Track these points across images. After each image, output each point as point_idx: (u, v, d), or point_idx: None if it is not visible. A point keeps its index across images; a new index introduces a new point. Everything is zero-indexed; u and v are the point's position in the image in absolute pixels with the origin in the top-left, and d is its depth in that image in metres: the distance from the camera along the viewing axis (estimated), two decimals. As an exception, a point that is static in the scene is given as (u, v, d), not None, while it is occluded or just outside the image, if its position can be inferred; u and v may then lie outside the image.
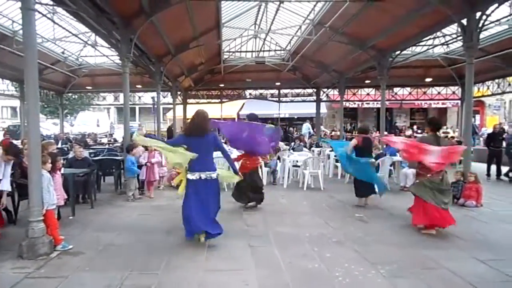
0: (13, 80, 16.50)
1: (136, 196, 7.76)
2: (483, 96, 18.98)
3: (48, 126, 26.31)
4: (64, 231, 5.14)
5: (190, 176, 4.81)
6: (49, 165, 4.89)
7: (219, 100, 21.79)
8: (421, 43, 12.93)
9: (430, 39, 12.42)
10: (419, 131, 23.58)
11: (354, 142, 7.10)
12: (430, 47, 13.97)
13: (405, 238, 5.18)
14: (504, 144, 10.62)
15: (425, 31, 10.35)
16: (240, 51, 18.22)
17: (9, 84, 18.36)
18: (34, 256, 4.25)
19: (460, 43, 11.36)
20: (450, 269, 4.02)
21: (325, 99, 21.64)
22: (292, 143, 13.87)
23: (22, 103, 17.46)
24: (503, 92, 17.49)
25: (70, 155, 8.32)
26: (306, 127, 21.46)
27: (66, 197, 5.94)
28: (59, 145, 13.48)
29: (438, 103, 23.86)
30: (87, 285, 3.67)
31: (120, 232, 5.43)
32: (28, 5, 4.38)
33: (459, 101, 19.74)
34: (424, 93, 21.66)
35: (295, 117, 25.81)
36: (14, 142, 8.42)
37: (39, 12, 10.09)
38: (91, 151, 11.18)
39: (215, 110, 21.89)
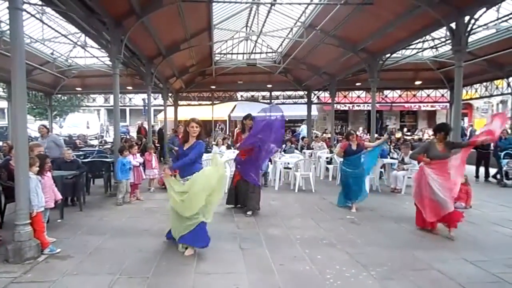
0: (1, 81, 16.24)
1: (125, 199, 7.64)
2: (471, 99, 19.29)
3: (37, 128, 25.92)
4: (52, 235, 5.06)
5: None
6: (35, 168, 4.79)
7: (211, 102, 21.73)
8: (410, 47, 13.12)
9: (419, 42, 12.57)
10: (408, 133, 23.86)
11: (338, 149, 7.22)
12: (420, 50, 14.17)
13: (396, 240, 5.20)
14: (492, 146, 10.76)
15: (414, 35, 10.46)
16: (232, 53, 18.23)
17: (-4, 85, 18.09)
18: (21, 260, 4.17)
19: (449, 47, 11.50)
20: (440, 270, 4.05)
21: (316, 101, 21.75)
22: (284, 145, 13.87)
23: (10, 104, 17.20)
24: (491, 95, 17.78)
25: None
26: (305, 129, 21.48)
27: (61, 197, 5.74)
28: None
29: (427, 105, 24.17)
30: (75, 290, 3.60)
31: (109, 235, 5.36)
32: (15, 4, 4.31)
33: (448, 104, 20.02)
34: (414, 95, 21.89)
35: (287, 119, 25.85)
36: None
37: (28, 12, 9.95)
38: (80, 153, 11.04)
39: (206, 112, 21.86)
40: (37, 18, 10.83)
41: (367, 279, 3.85)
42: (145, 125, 17.22)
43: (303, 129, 21.87)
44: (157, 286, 3.69)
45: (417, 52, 14.48)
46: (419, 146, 6.71)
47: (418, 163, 5.92)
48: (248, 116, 7.11)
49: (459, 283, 3.72)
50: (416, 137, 20.16)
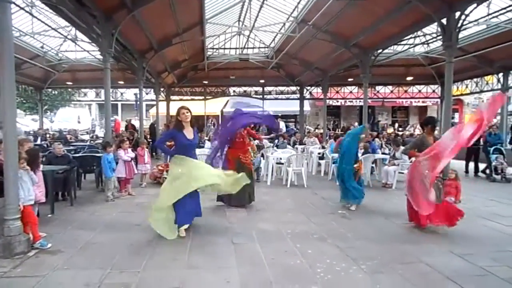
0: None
1: (115, 195, 7.54)
2: (462, 94, 19.46)
3: (27, 122, 25.59)
4: (43, 229, 5.01)
5: None
6: (21, 164, 4.71)
7: (203, 97, 21.66)
8: (402, 42, 13.19)
9: (411, 38, 12.70)
10: (400, 129, 24.04)
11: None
12: (411, 46, 14.26)
13: (385, 234, 5.26)
14: (481, 141, 10.89)
15: (406, 30, 10.54)
16: (224, 48, 18.17)
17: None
18: (11, 255, 4.14)
19: (440, 42, 11.60)
20: (428, 263, 4.11)
21: (308, 97, 21.80)
22: (276, 140, 13.90)
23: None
24: (481, 91, 17.99)
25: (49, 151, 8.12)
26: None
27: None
28: (38, 142, 13.18)
29: (418, 101, 24.36)
30: (65, 284, 3.59)
31: (100, 230, 5.35)
32: (3, -3, 4.24)
33: (439, 100, 20.22)
34: (405, 91, 22.05)
35: (279, 114, 25.90)
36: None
37: (16, 5, 9.80)
38: (71, 147, 10.95)
39: (198, 107, 21.78)
40: (26, 11, 10.69)
41: (357, 273, 3.89)
42: (133, 122, 17.21)
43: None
44: (148, 280, 3.69)
45: (409, 48, 14.58)
46: (411, 142, 6.76)
47: (409, 158, 5.96)
48: (236, 111, 7.15)
49: (446, 276, 3.78)
50: (407, 133, 20.32)
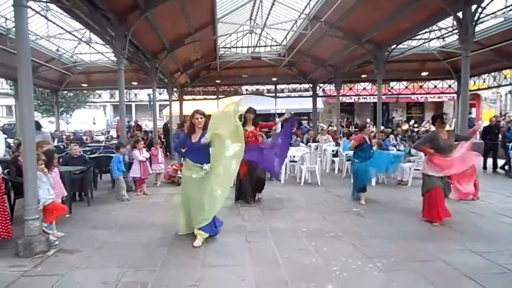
0: (8, 78, 16.42)
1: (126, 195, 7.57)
2: (479, 89, 19.06)
3: (44, 124, 26.09)
4: (60, 229, 5.15)
5: None
6: (40, 165, 4.84)
7: (216, 96, 21.73)
8: (417, 37, 12.97)
9: (426, 32, 12.46)
10: (415, 125, 23.67)
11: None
12: (426, 40, 14.01)
13: (401, 232, 5.19)
14: (500, 137, 10.65)
15: (420, 25, 10.36)
16: (236, 47, 18.19)
17: (4, 82, 18.27)
18: (31, 254, 4.24)
19: (455, 37, 11.37)
20: (445, 261, 4.04)
21: (321, 94, 21.66)
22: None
23: (17, 101, 17.35)
24: (499, 85, 17.58)
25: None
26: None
27: (65, 194, 5.91)
28: (55, 143, 13.43)
29: (434, 97, 23.97)
30: (83, 283, 3.66)
31: (116, 229, 5.43)
32: (20, 2, 4.32)
33: (455, 95, 19.84)
34: (421, 87, 21.72)
35: (292, 112, 25.81)
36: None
37: (32, 9, 10.00)
38: (87, 148, 11.13)
39: (211, 106, 21.86)
40: (42, 15, 10.89)
41: (373, 271, 3.86)
42: (139, 123, 17.44)
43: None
44: (165, 278, 3.73)
45: (424, 43, 14.33)
46: (423, 137, 6.68)
47: (424, 154, 5.89)
48: (249, 110, 7.07)
49: (465, 274, 3.72)
50: (423, 129, 20.00)
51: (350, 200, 7.13)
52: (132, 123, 20.05)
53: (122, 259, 4.17)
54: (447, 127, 5.71)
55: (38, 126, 9.00)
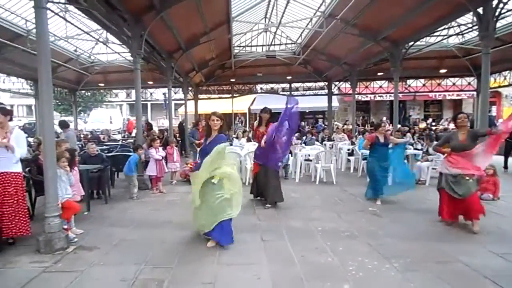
0: (28, 78, 16.81)
1: (136, 194, 7.67)
2: (499, 86, 18.53)
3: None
4: (79, 226, 5.28)
5: None
6: (62, 161, 4.99)
7: (230, 95, 21.79)
8: (435, 33, 12.70)
9: (444, 29, 12.18)
10: (433, 123, 23.24)
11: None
12: (445, 37, 13.72)
13: (419, 232, 5.11)
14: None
15: (439, 21, 10.15)
16: (251, 46, 18.19)
17: (24, 82, 18.72)
18: (51, 251, 4.35)
19: (475, 33, 11.10)
20: (464, 262, 3.96)
21: (336, 92, 21.47)
22: (304, 137, 13.80)
23: (37, 101, 17.78)
24: (521, 82, 17.07)
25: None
26: None
27: (83, 193, 6.05)
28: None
29: (453, 94, 23.46)
30: (102, 279, 3.73)
31: (133, 227, 5.51)
32: (40, 3, 4.43)
33: (474, 92, 19.39)
34: (439, 84, 21.28)
35: (307, 111, 25.68)
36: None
37: (51, 11, 10.22)
38: (104, 147, 11.31)
39: (226, 105, 21.94)
40: (60, 16, 11.10)
41: (390, 271, 3.81)
42: (151, 121, 17.64)
43: None
44: (181, 275, 3.77)
45: (442, 39, 14.04)
46: (442, 137, 6.53)
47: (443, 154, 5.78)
48: (264, 109, 7.10)
49: (485, 276, 3.64)
50: (441, 127, 19.62)
51: (366, 200, 7.06)
52: (143, 122, 20.29)
53: (139, 257, 4.23)
54: (467, 127, 5.54)
55: (65, 124, 9.33)
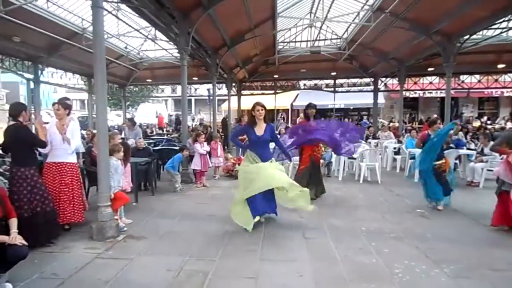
0: (82, 74, 17.82)
1: (181, 187, 7.92)
2: None
3: (112, 117, 28.06)
4: (128, 216, 5.53)
5: None
6: (120, 154, 5.30)
7: (273, 91, 21.78)
8: (493, 26, 11.87)
9: (503, 21, 11.34)
10: (488, 122, 21.86)
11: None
12: (504, 30, 12.77)
13: (471, 237, 4.83)
14: None
15: (498, 13, 9.47)
16: (295, 41, 18.02)
17: (79, 78, 19.85)
18: (103, 238, 4.60)
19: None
20: (524, 272, 3.70)
21: (383, 88, 20.76)
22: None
23: (90, 96, 18.83)
24: None
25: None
26: None
27: (131, 185, 6.34)
28: (123, 135, 14.35)
29: (511, 91, 21.88)
30: (149, 268, 3.88)
31: (178, 219, 5.68)
32: (97, 3, 4.66)
33: (536, 89, 17.97)
34: (496, 80, 19.94)
35: (351, 107, 25.12)
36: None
37: (105, 10, 10.70)
38: (151, 141, 11.74)
39: (269, 101, 21.95)
40: (113, 15, 11.63)
41: (440, 276, 3.64)
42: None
43: None
44: (224, 268, 3.84)
45: (501, 33, 13.07)
46: (500, 136, 6.06)
47: (500, 155, 5.37)
48: (310, 105, 7.03)
49: (547, 288, 3.38)
50: (497, 126, 18.40)
51: (413, 200, 6.76)
52: (173, 117, 20.86)
53: (184, 248, 4.36)
54: None
55: (134, 122, 10.04)
